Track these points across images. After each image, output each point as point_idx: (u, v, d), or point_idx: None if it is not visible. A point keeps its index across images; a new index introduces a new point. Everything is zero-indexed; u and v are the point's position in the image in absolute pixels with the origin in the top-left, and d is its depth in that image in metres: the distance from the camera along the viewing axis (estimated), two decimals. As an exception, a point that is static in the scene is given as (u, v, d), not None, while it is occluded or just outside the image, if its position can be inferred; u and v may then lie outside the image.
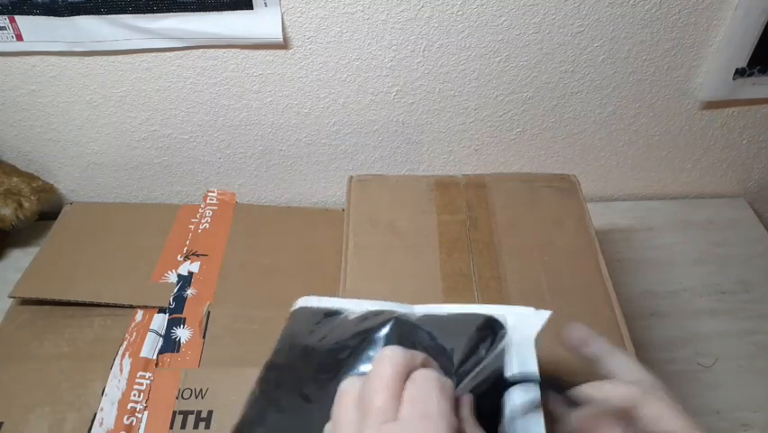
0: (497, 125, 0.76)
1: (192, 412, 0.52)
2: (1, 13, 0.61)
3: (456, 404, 0.28)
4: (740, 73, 0.70)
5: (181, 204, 0.72)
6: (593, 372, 0.37)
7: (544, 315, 0.36)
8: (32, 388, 0.54)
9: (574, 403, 0.33)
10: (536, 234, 0.56)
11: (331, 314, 0.41)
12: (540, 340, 0.34)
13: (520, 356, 0.34)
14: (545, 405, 0.31)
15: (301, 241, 0.67)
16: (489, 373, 0.34)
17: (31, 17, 0.62)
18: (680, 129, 0.78)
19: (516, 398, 0.32)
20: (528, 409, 0.32)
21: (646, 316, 0.70)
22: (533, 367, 0.33)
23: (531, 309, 0.37)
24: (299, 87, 0.70)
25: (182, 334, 0.57)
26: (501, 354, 0.35)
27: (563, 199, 0.59)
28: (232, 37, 0.64)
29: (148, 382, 0.54)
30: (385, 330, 0.36)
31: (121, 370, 0.55)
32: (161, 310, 0.60)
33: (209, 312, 0.59)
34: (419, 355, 0.29)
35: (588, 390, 0.34)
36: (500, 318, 0.37)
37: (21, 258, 0.73)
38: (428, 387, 0.27)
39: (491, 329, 0.37)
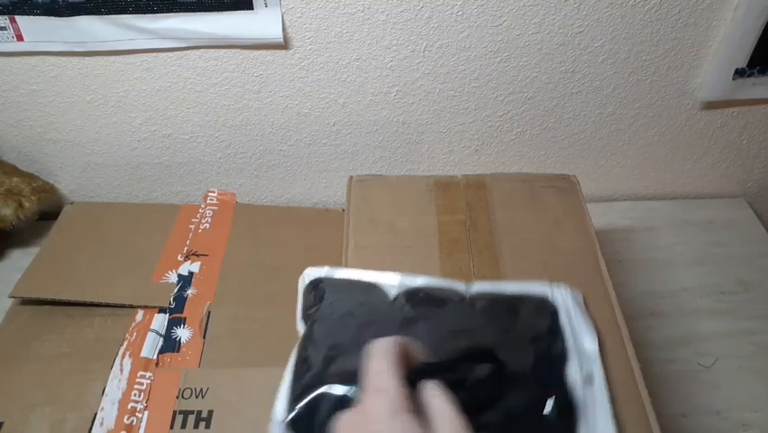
0: (497, 125, 0.76)
1: (192, 412, 0.52)
2: (1, 14, 0.61)
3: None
4: (740, 73, 0.70)
5: (181, 204, 0.72)
6: None
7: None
8: (32, 388, 0.54)
9: None
10: (536, 234, 0.55)
11: (371, 288, 0.47)
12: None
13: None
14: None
15: (301, 241, 0.67)
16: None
17: (31, 17, 0.62)
18: (680, 129, 0.78)
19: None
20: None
21: (646, 316, 0.70)
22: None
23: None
24: (299, 87, 0.70)
25: (182, 334, 0.57)
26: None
27: (563, 199, 0.59)
28: (232, 37, 0.64)
29: (148, 381, 0.54)
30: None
31: (121, 370, 0.55)
32: (162, 310, 0.60)
33: (209, 312, 0.60)
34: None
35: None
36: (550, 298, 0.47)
37: (21, 258, 0.73)
38: (382, 361, 0.31)
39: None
